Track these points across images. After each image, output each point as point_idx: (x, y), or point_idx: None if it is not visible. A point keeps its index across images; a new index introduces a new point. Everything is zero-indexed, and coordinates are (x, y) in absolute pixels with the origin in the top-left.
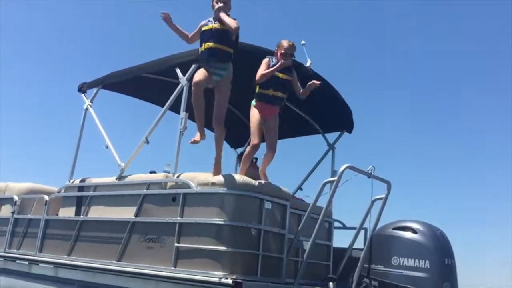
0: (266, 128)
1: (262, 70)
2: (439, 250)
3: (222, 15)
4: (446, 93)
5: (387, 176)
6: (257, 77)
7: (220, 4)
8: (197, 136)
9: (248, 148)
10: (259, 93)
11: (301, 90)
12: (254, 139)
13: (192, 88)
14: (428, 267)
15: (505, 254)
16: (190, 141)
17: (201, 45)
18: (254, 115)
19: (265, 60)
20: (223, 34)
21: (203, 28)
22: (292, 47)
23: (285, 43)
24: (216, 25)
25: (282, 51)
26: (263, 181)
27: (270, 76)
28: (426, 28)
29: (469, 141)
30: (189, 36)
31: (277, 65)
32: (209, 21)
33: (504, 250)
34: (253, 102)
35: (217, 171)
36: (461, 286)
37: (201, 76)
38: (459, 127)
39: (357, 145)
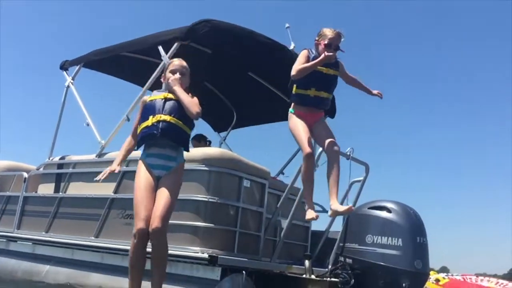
0: (315, 135)
1: (299, 63)
2: (411, 229)
3: (180, 91)
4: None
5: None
6: (294, 71)
7: (177, 76)
8: None
9: (303, 164)
10: (298, 95)
11: (353, 77)
12: (304, 147)
13: (131, 248)
14: (401, 244)
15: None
16: None
17: (143, 121)
18: (295, 122)
19: (304, 52)
20: (182, 109)
21: (149, 99)
22: (338, 37)
23: (328, 32)
24: (171, 95)
25: (326, 42)
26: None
27: (309, 71)
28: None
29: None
30: (131, 136)
31: (320, 58)
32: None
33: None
34: (291, 110)
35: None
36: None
37: (139, 206)
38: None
39: (341, 131)
